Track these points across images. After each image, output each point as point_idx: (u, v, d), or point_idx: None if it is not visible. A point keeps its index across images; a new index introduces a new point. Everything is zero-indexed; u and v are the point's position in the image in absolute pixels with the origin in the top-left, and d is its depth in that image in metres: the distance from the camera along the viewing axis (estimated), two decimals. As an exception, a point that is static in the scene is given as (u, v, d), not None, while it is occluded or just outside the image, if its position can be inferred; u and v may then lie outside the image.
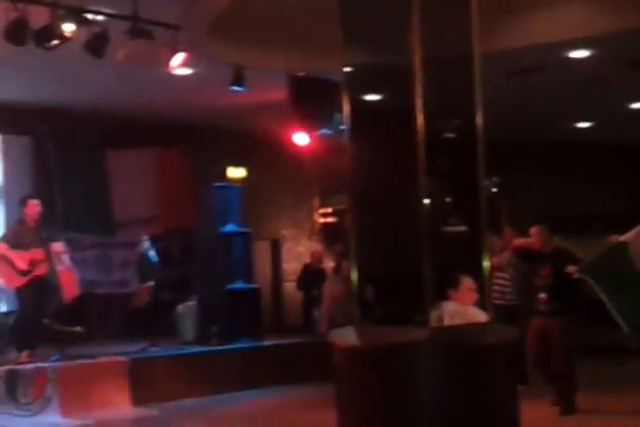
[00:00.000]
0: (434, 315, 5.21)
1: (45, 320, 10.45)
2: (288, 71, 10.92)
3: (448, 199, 5.28)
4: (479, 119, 5.15)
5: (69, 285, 10.22)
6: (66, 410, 9.40)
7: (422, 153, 4.87)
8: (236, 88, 10.47)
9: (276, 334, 13.17)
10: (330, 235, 15.74)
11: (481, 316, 5.68)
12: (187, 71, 10.48)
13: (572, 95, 12.31)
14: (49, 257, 9.92)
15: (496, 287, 9.39)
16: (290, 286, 15.04)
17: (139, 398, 9.97)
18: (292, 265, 15.56)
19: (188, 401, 10.23)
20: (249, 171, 14.88)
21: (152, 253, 12.37)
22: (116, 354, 10.59)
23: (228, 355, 11.25)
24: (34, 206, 9.98)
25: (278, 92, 11.26)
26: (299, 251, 15.88)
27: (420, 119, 4.88)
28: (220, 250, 12.06)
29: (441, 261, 5.00)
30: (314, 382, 10.85)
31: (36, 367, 9.46)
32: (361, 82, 5.46)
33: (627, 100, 13.47)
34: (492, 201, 5.73)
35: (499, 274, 9.70)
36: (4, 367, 9.33)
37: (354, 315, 5.48)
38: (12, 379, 9.18)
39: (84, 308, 11.52)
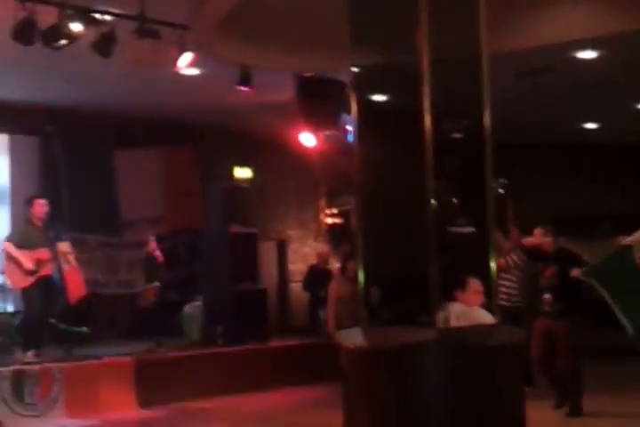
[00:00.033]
0: (440, 316, 5.21)
1: (52, 320, 10.45)
2: (295, 71, 10.92)
3: (455, 200, 5.26)
4: (487, 120, 5.14)
5: (76, 285, 10.22)
6: (72, 410, 9.40)
7: (430, 154, 4.86)
8: (242, 88, 10.47)
9: (281, 335, 13.16)
10: (336, 236, 15.73)
11: (487, 317, 5.66)
12: (194, 71, 10.50)
13: (580, 96, 12.29)
14: (55, 257, 9.91)
15: (502, 289, 9.36)
16: (296, 287, 15.04)
17: (144, 399, 9.96)
18: (298, 266, 15.56)
19: (194, 402, 10.21)
20: (255, 171, 14.88)
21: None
22: (122, 354, 10.60)
23: (234, 356, 11.24)
24: (41, 206, 9.97)
25: (285, 93, 11.26)
26: (305, 252, 15.89)
27: (427, 120, 4.87)
28: (226, 250, 12.05)
29: (448, 262, 4.99)
30: (320, 382, 10.83)
31: (43, 367, 9.46)
32: (369, 82, 5.46)
33: (634, 101, 13.46)
34: (499, 202, 5.71)
35: (505, 276, 9.67)
36: (11, 367, 9.33)
37: (360, 316, 5.47)
38: (19, 379, 9.18)
39: (91, 308, 11.51)
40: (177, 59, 9.50)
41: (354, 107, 5.41)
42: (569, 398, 8.70)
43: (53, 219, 10.20)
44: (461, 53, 5.18)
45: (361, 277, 5.37)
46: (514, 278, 9.94)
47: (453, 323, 5.68)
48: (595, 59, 10.45)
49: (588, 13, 8.89)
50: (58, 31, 8.53)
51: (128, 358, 10.31)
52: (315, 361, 11.35)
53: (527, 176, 15.14)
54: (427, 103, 4.87)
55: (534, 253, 9.14)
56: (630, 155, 16.40)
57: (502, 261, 9.36)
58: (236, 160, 14.59)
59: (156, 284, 11.74)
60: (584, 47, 9.97)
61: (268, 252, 14.90)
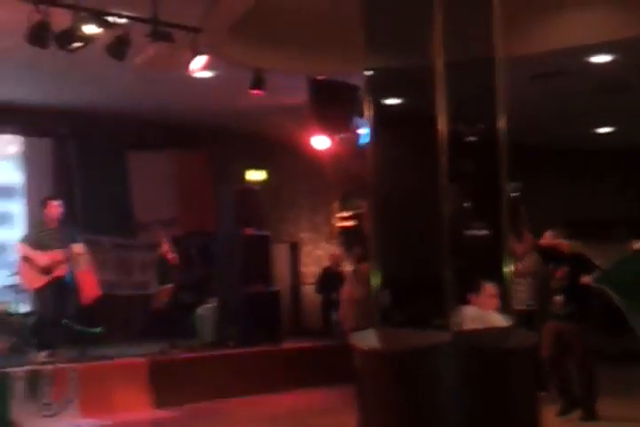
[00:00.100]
0: (454, 319, 5.21)
1: (66, 321, 10.49)
2: (308, 74, 10.93)
3: (470, 203, 5.27)
4: (502, 123, 5.14)
5: (90, 286, 10.26)
6: (86, 411, 9.45)
7: (444, 157, 4.87)
8: (255, 91, 10.49)
9: (294, 337, 13.17)
10: (348, 238, 15.72)
11: (501, 321, 5.66)
12: (207, 74, 10.52)
13: (594, 100, 12.27)
14: (69, 258, 9.96)
15: (515, 293, 9.35)
16: (308, 289, 15.06)
17: (158, 400, 10.00)
18: (310, 268, 15.58)
19: (208, 403, 10.23)
20: (269, 174, 14.91)
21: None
22: (135, 355, 10.64)
23: (247, 357, 11.26)
24: (55, 207, 10.02)
25: (298, 96, 11.28)
26: (317, 254, 15.91)
27: (442, 123, 4.87)
28: (239, 253, 12.07)
29: (462, 265, 4.99)
30: (333, 384, 10.85)
31: (57, 368, 9.50)
32: (383, 86, 5.45)
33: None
34: (512, 205, 5.71)
35: (518, 279, 9.66)
36: (26, 368, 9.37)
37: (374, 318, 5.47)
38: (34, 379, 9.23)
39: (104, 309, 11.55)
40: (190, 62, 9.52)
41: (368, 110, 5.42)
42: (583, 401, 8.68)
43: (67, 220, 10.25)
44: (476, 56, 5.19)
45: (375, 279, 5.38)
46: (527, 282, 9.94)
47: (467, 326, 5.68)
48: (609, 63, 10.43)
49: (602, 18, 8.88)
50: (72, 34, 8.56)
51: (142, 359, 10.36)
52: (327, 363, 11.37)
53: (541, 180, 15.12)
54: (441, 106, 4.88)
55: (548, 254, 9.14)
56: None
57: (519, 265, 9.37)
58: (249, 163, 14.63)
59: (170, 285, 11.78)
60: (598, 51, 9.95)
61: (280, 254, 14.91)
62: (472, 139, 5.24)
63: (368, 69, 5.41)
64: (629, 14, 8.80)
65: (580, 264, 8.72)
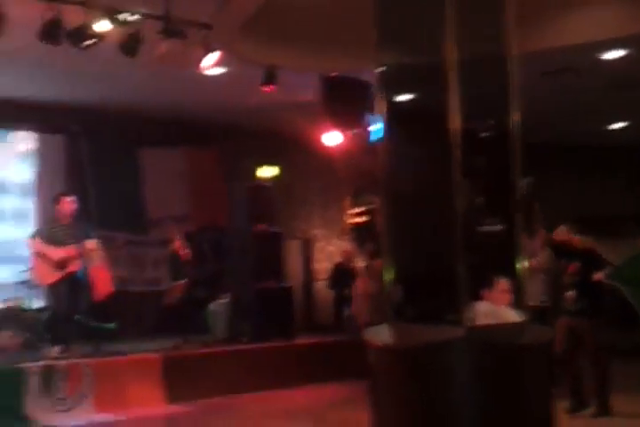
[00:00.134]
0: (467, 315, 5.21)
1: (79, 317, 10.54)
2: (320, 71, 10.94)
3: (483, 199, 5.27)
4: (514, 119, 5.15)
5: (103, 282, 10.29)
6: (100, 406, 9.49)
7: (457, 153, 4.88)
8: (267, 88, 10.51)
9: (306, 333, 13.20)
10: (361, 234, 15.73)
11: (515, 317, 5.66)
12: (219, 71, 10.53)
13: (605, 96, 12.25)
14: (82, 254, 9.99)
15: (528, 288, 9.34)
16: (321, 285, 15.07)
17: (172, 395, 10.04)
18: (323, 264, 15.60)
19: (221, 399, 10.27)
20: (281, 170, 14.92)
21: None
22: (148, 351, 10.68)
23: (260, 353, 11.29)
24: (68, 204, 10.05)
25: (310, 92, 11.29)
26: (330, 250, 15.92)
27: (455, 119, 4.88)
28: (251, 249, 12.10)
29: (475, 260, 5.00)
30: (345, 380, 10.88)
31: (72, 363, 9.55)
32: (395, 82, 5.46)
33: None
34: (526, 201, 5.71)
35: (532, 275, 9.65)
36: (40, 363, 9.42)
37: (387, 314, 5.49)
38: (48, 375, 9.27)
39: (118, 305, 11.59)
40: (202, 58, 9.54)
41: (381, 106, 5.43)
42: (596, 397, 8.67)
43: (80, 216, 10.29)
44: (488, 52, 5.19)
45: (388, 275, 5.39)
46: (540, 278, 9.93)
47: (480, 322, 5.69)
48: (620, 59, 10.41)
49: (613, 13, 8.86)
50: (84, 31, 8.61)
51: (156, 355, 10.39)
52: (339, 358, 11.40)
53: (552, 176, 15.09)
54: (454, 102, 4.89)
55: (560, 250, 9.13)
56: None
57: (534, 262, 9.37)
58: (261, 159, 14.64)
59: (182, 281, 11.81)
60: (609, 47, 9.93)
61: (293, 250, 14.94)
62: (485, 134, 5.25)
63: (380, 66, 5.42)
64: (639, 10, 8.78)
65: (591, 260, 8.71)
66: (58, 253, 9.86)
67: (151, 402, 9.85)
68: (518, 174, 5.18)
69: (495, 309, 5.96)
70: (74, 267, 9.93)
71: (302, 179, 15.44)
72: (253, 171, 14.54)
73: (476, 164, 5.07)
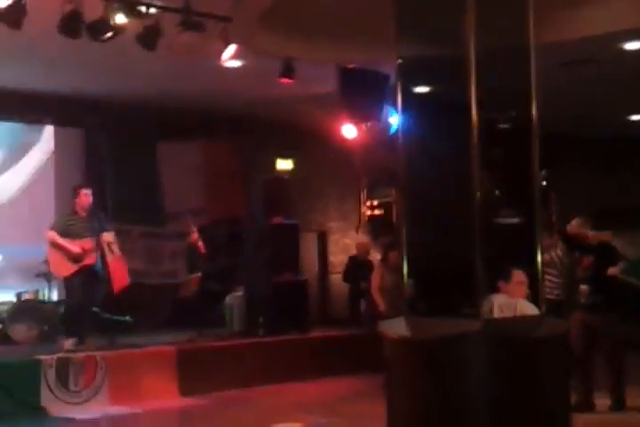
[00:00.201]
0: (484, 307, 5.20)
1: (95, 309, 10.57)
2: (338, 63, 10.91)
3: (502, 191, 5.25)
4: (534, 111, 5.12)
5: (120, 275, 10.31)
6: (115, 398, 9.51)
7: (476, 144, 4.85)
8: (285, 80, 10.49)
9: (322, 326, 13.21)
10: (376, 227, 15.74)
11: (531, 309, 5.64)
12: (237, 63, 10.53)
13: (626, 87, 12.16)
14: (99, 247, 10.02)
15: (545, 282, 9.30)
16: (336, 278, 15.06)
17: (186, 388, 10.05)
18: (338, 257, 15.59)
19: (235, 391, 10.28)
20: (297, 163, 14.93)
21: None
22: (163, 344, 10.71)
23: (275, 346, 11.29)
24: (85, 196, 10.07)
25: (327, 84, 11.27)
26: (345, 243, 15.91)
27: (474, 110, 4.85)
28: (267, 242, 12.10)
29: (492, 253, 4.98)
30: (359, 373, 10.89)
31: (87, 356, 9.58)
32: (414, 73, 5.44)
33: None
34: (542, 194, 5.68)
35: (547, 269, 9.62)
36: (56, 355, 9.45)
37: (404, 306, 5.48)
38: (63, 367, 9.31)
39: (133, 298, 11.61)
40: (220, 51, 9.53)
41: (399, 98, 5.41)
42: (612, 391, 8.63)
43: (97, 209, 10.31)
44: (509, 43, 5.16)
45: (405, 267, 5.38)
46: (556, 272, 9.88)
47: (497, 314, 5.67)
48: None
49: (635, 2, 8.78)
50: (103, 24, 8.61)
51: (170, 348, 10.41)
52: (355, 352, 11.40)
53: (570, 168, 15.03)
54: (473, 94, 4.86)
55: (574, 243, 9.08)
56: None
57: (547, 256, 9.32)
58: (278, 152, 14.65)
59: (198, 274, 11.83)
60: (632, 38, 9.86)
61: (308, 243, 14.94)
62: (504, 126, 5.23)
63: (400, 57, 5.40)
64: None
65: (606, 254, 8.65)
66: (74, 245, 9.88)
67: (165, 395, 9.86)
68: (537, 166, 5.16)
69: (512, 301, 5.93)
70: (90, 260, 9.95)
71: (319, 171, 15.42)
72: (270, 164, 14.55)
73: (495, 155, 5.05)
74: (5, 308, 11.37)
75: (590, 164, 16.31)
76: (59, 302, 11.55)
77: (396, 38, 5.35)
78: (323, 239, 15.82)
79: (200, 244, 11.65)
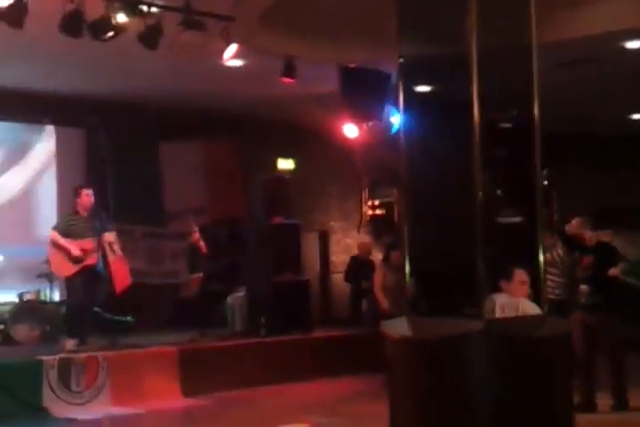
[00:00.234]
0: (486, 307, 5.19)
1: (97, 310, 10.56)
2: (339, 62, 10.91)
3: (503, 190, 5.24)
4: (536, 110, 5.11)
5: (122, 275, 10.31)
6: (117, 399, 9.50)
7: (478, 144, 4.85)
8: (286, 79, 10.49)
9: (323, 326, 13.19)
10: (378, 227, 15.73)
11: (533, 309, 5.63)
12: (238, 63, 10.52)
13: (627, 86, 12.15)
14: (100, 247, 10.02)
15: (547, 282, 9.28)
16: (338, 278, 15.05)
17: (188, 388, 10.04)
18: (340, 257, 15.58)
19: (237, 392, 10.27)
20: (298, 162, 14.92)
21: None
22: (165, 344, 10.70)
23: (277, 346, 11.28)
24: (87, 196, 10.07)
25: (329, 84, 11.26)
26: (347, 243, 15.90)
27: (476, 110, 4.85)
28: (268, 241, 12.09)
29: (494, 252, 4.97)
30: (361, 373, 10.88)
31: (89, 356, 9.57)
32: (416, 72, 5.43)
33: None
34: (543, 193, 5.67)
35: (549, 268, 9.60)
36: (58, 356, 9.44)
37: (406, 306, 5.47)
38: (65, 367, 9.30)
39: (135, 298, 11.61)
40: (221, 50, 9.53)
41: (401, 97, 5.40)
42: (614, 391, 8.61)
43: (99, 209, 10.31)
44: (511, 43, 5.16)
45: (407, 267, 5.37)
46: (557, 271, 9.87)
47: (498, 314, 5.67)
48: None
49: (636, 2, 8.78)
50: (105, 23, 8.60)
51: (172, 348, 10.40)
52: (356, 352, 11.39)
53: (572, 168, 15.01)
54: (475, 93, 4.85)
55: (572, 242, 9.06)
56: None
57: (548, 255, 9.30)
58: (279, 151, 14.64)
59: (200, 274, 11.82)
60: (633, 37, 9.85)
61: (310, 243, 14.92)
62: (506, 125, 5.22)
63: (401, 56, 5.39)
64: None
65: (605, 254, 8.63)
66: (76, 245, 9.88)
67: (168, 395, 9.85)
68: (539, 165, 5.15)
69: (514, 301, 5.93)
70: (92, 260, 9.95)
71: (320, 171, 15.41)
72: (271, 163, 14.54)
73: (497, 155, 5.04)
74: (7, 308, 11.36)
75: (591, 163, 16.28)
76: (60, 303, 11.54)
77: (398, 37, 5.34)
78: (324, 239, 15.80)
79: (201, 244, 11.64)
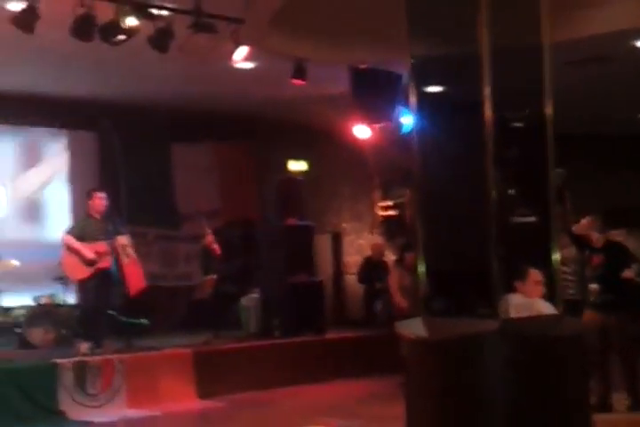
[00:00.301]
0: (500, 307, 5.18)
1: (111, 312, 10.58)
2: (350, 64, 10.90)
3: (517, 190, 5.23)
4: (549, 109, 5.10)
5: (136, 278, 10.33)
6: (132, 401, 9.53)
7: (490, 144, 4.84)
8: (297, 81, 10.49)
9: (337, 327, 13.18)
10: (391, 228, 15.71)
11: (548, 309, 5.62)
12: (249, 65, 10.53)
13: (638, 85, 12.10)
14: (114, 250, 10.04)
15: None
16: (351, 279, 15.04)
17: (204, 390, 10.06)
18: (353, 258, 15.56)
19: (252, 394, 10.27)
20: (310, 164, 14.92)
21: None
22: (180, 346, 10.72)
23: (291, 347, 11.29)
24: (100, 199, 10.11)
25: (340, 85, 11.26)
26: (360, 244, 15.88)
27: (487, 109, 4.84)
28: (282, 243, 12.10)
29: (509, 252, 4.96)
30: (376, 374, 10.87)
31: (104, 359, 9.59)
32: (427, 73, 5.43)
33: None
34: (557, 192, 5.66)
35: (562, 268, 9.55)
36: (73, 359, 9.47)
37: (421, 306, 5.46)
38: (81, 370, 9.32)
39: (149, 300, 11.63)
40: (232, 52, 9.54)
41: (412, 98, 5.39)
42: (630, 391, 8.58)
43: (112, 212, 10.33)
44: (522, 42, 5.15)
45: (421, 268, 5.37)
46: (571, 271, 9.84)
47: (513, 314, 5.65)
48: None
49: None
50: (115, 27, 8.61)
51: (187, 350, 10.41)
52: (370, 353, 11.38)
53: (584, 167, 14.94)
54: (487, 93, 4.85)
55: (581, 242, 9.02)
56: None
57: (562, 254, 9.25)
58: (291, 153, 14.65)
59: (213, 276, 11.83)
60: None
61: (323, 244, 14.92)
62: (518, 125, 5.21)
63: (412, 57, 5.38)
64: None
65: (615, 253, 8.59)
66: (89, 248, 9.90)
67: (183, 397, 9.87)
68: (552, 164, 5.14)
69: (528, 301, 5.91)
70: (105, 263, 9.97)
71: (332, 172, 15.41)
72: (283, 165, 14.55)
73: (510, 154, 5.03)
74: (23, 312, 11.39)
75: (602, 162, 16.23)
76: (75, 306, 11.56)
77: (408, 38, 5.34)
78: (337, 240, 15.79)
79: (215, 246, 11.65)
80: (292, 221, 12.18)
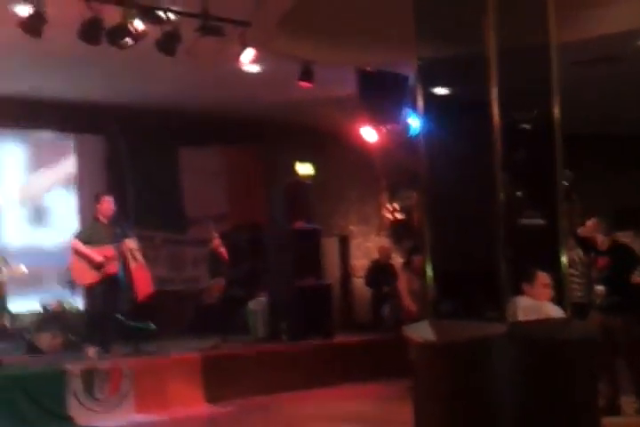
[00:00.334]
0: (508, 310, 5.16)
1: (119, 317, 10.57)
2: (357, 66, 10.89)
3: (524, 192, 5.21)
4: (556, 110, 5.08)
5: (144, 282, 10.33)
6: (141, 406, 9.51)
7: (498, 145, 4.82)
8: (304, 83, 10.48)
9: (345, 331, 13.15)
10: (398, 231, 15.68)
11: (556, 312, 5.58)
12: (256, 68, 10.52)
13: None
14: (121, 254, 10.03)
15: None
16: (359, 283, 15.02)
17: (212, 395, 10.04)
18: (360, 261, 15.54)
19: (261, 398, 10.25)
20: (317, 167, 14.88)
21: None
22: (187, 350, 10.70)
23: (299, 351, 11.26)
24: (107, 203, 10.10)
25: (347, 87, 11.25)
26: (367, 247, 15.85)
27: (495, 111, 4.82)
28: (289, 246, 12.07)
29: (517, 255, 4.94)
30: (384, 378, 10.84)
31: (112, 364, 9.58)
32: (435, 74, 5.41)
33: None
34: (565, 194, 5.63)
35: (570, 271, 9.51)
36: (81, 364, 9.46)
37: (428, 309, 5.44)
38: (89, 375, 9.31)
39: (157, 304, 11.62)
40: (239, 55, 9.53)
41: (420, 100, 5.38)
42: (638, 394, 8.53)
43: (120, 216, 10.33)
44: (529, 43, 5.13)
45: (429, 271, 5.34)
46: (578, 274, 9.80)
47: (521, 317, 5.62)
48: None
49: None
50: (123, 30, 8.61)
51: (195, 354, 10.39)
52: (378, 357, 11.35)
53: (593, 167, 14.90)
54: (494, 94, 4.83)
55: (586, 244, 8.97)
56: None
57: (569, 257, 9.21)
58: (299, 156, 14.61)
59: (221, 280, 11.82)
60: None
61: (330, 247, 14.89)
62: (526, 126, 5.18)
63: (419, 59, 5.37)
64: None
65: (621, 255, 8.54)
66: (97, 253, 9.90)
67: (191, 402, 9.85)
68: (561, 166, 5.11)
69: (536, 304, 5.87)
70: (113, 268, 9.96)
71: (339, 175, 15.38)
72: (291, 168, 14.52)
73: (517, 156, 5.01)
74: (30, 317, 11.39)
75: (610, 163, 16.18)
76: (83, 311, 11.56)
77: (415, 40, 5.33)
78: (344, 243, 15.76)
79: (222, 249, 11.64)
80: (299, 225, 12.16)
